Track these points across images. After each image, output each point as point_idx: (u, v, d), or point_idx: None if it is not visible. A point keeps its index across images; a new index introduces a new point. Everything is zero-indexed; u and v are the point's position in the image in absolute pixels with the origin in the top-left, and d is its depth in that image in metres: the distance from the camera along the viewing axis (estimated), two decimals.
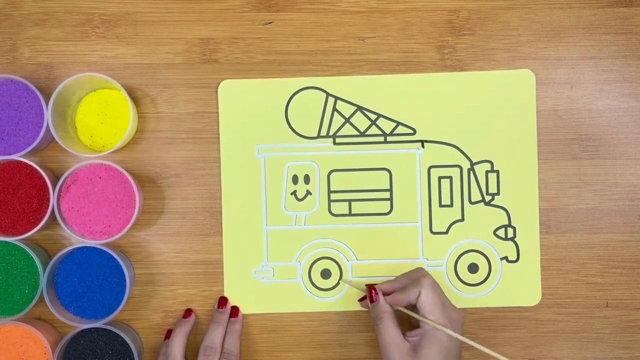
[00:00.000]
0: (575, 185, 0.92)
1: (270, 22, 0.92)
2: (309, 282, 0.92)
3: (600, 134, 0.92)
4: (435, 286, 0.83)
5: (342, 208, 0.91)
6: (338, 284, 0.91)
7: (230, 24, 0.92)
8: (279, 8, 0.92)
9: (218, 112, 0.91)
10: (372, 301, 0.86)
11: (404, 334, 0.83)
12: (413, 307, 0.85)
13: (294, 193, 0.91)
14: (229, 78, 0.92)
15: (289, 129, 0.91)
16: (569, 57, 0.92)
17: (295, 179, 0.91)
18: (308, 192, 0.91)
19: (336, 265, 0.91)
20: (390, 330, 0.83)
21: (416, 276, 0.85)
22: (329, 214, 0.91)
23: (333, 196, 0.91)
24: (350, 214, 0.91)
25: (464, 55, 0.92)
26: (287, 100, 0.92)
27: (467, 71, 0.92)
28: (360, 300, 0.89)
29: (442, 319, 0.82)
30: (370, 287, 0.86)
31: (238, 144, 0.91)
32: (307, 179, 0.91)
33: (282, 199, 0.91)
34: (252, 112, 0.92)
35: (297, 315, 0.92)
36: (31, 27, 0.92)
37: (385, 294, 0.86)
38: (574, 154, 0.92)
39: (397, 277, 0.87)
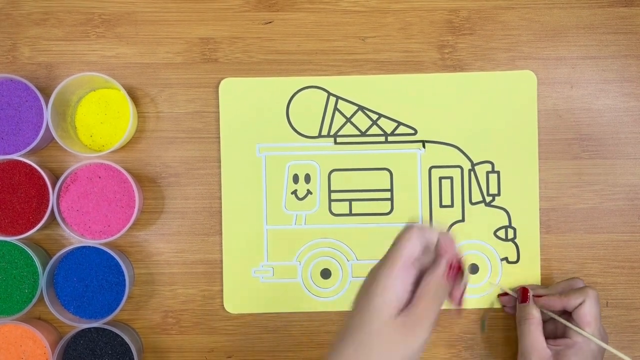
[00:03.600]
0: (575, 185, 0.92)
1: (270, 22, 0.92)
2: (309, 282, 0.92)
3: (600, 133, 0.92)
4: (598, 300, 0.83)
5: (342, 208, 0.91)
6: (339, 283, 0.91)
7: (230, 23, 0.92)
8: (279, 8, 0.92)
9: (218, 111, 0.91)
10: (522, 302, 0.86)
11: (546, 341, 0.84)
12: (563, 315, 0.85)
13: (294, 192, 0.91)
14: (229, 77, 0.91)
15: (290, 128, 0.91)
16: (569, 57, 0.92)
17: (295, 178, 0.91)
18: (308, 192, 0.91)
19: (336, 265, 0.91)
20: (534, 335, 0.83)
21: (578, 285, 0.85)
22: (329, 214, 0.91)
23: (334, 196, 0.91)
24: (350, 214, 0.91)
25: (464, 55, 0.92)
26: (288, 100, 0.91)
27: (467, 71, 0.92)
28: (500, 295, 0.90)
29: (597, 334, 0.82)
30: (523, 289, 0.87)
31: (238, 142, 0.91)
32: (307, 179, 0.91)
33: (282, 198, 0.91)
34: (253, 111, 0.91)
35: (297, 315, 0.92)
36: (31, 26, 0.92)
37: (536, 296, 0.86)
38: (574, 153, 0.92)
39: (553, 285, 0.88)
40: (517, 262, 0.91)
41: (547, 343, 0.84)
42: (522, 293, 0.87)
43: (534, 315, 0.85)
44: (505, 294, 0.90)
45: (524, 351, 0.84)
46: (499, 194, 0.91)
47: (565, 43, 0.92)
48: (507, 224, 0.91)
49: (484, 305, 0.92)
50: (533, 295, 0.86)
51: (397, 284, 0.66)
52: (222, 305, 0.91)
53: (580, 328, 0.82)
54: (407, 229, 0.68)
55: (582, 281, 0.87)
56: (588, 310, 0.82)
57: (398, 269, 0.66)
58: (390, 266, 0.66)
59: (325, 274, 0.92)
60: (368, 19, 0.92)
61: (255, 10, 0.92)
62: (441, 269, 0.67)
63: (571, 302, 0.83)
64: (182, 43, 0.92)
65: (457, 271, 0.68)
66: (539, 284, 0.91)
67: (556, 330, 0.86)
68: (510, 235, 0.91)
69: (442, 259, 0.67)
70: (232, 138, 0.91)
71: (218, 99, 0.91)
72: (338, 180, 0.91)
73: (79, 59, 0.92)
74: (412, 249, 0.67)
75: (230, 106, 0.91)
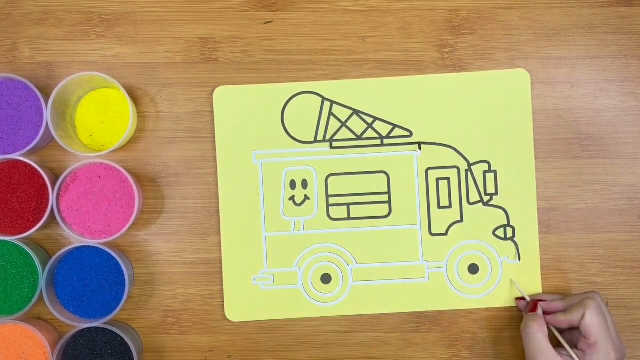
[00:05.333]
0: (575, 185, 0.92)
1: (270, 22, 0.92)
2: (310, 288, 0.91)
3: (600, 133, 0.92)
4: (600, 309, 0.83)
5: (340, 212, 0.91)
6: (340, 288, 0.91)
7: (230, 23, 0.92)
8: (278, 7, 0.92)
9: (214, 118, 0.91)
10: (530, 312, 0.87)
11: (557, 350, 0.84)
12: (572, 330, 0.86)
13: (292, 198, 0.91)
14: (228, 77, 0.91)
15: (286, 135, 0.91)
16: (569, 57, 0.92)
17: (293, 184, 0.91)
18: (306, 197, 0.91)
19: (336, 270, 0.91)
20: (540, 341, 0.84)
21: (581, 297, 0.85)
22: (327, 219, 0.91)
23: (331, 200, 0.91)
24: (349, 218, 0.91)
25: (464, 54, 0.92)
26: (282, 106, 0.91)
27: (466, 71, 0.92)
28: (518, 299, 0.90)
29: (605, 344, 0.82)
30: (535, 303, 0.87)
31: (234, 150, 0.91)
32: (304, 184, 0.91)
33: (280, 204, 0.91)
34: (247, 118, 0.91)
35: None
36: (31, 26, 0.92)
37: (546, 313, 0.87)
38: (573, 153, 0.92)
39: (566, 298, 0.88)
40: (517, 260, 0.91)
41: (560, 353, 0.84)
42: (532, 305, 0.87)
43: (541, 323, 0.84)
44: (523, 298, 0.90)
45: (531, 358, 0.84)
46: (496, 193, 0.91)
47: (565, 43, 0.92)
48: (506, 222, 0.91)
49: (485, 305, 0.91)
50: (543, 312, 0.87)
51: None
52: (222, 305, 0.91)
53: (586, 339, 0.82)
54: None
55: (593, 292, 0.86)
56: (589, 321, 0.82)
57: None
58: None
59: (326, 279, 0.92)
60: (368, 18, 0.92)
61: (255, 10, 0.92)
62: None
63: (574, 317, 0.83)
64: (182, 43, 0.92)
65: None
66: (540, 282, 0.91)
67: (572, 339, 0.86)
68: (509, 234, 0.91)
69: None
70: (228, 146, 0.91)
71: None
72: (335, 185, 0.91)
73: (79, 58, 0.92)
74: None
75: (225, 114, 0.91)
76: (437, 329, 0.92)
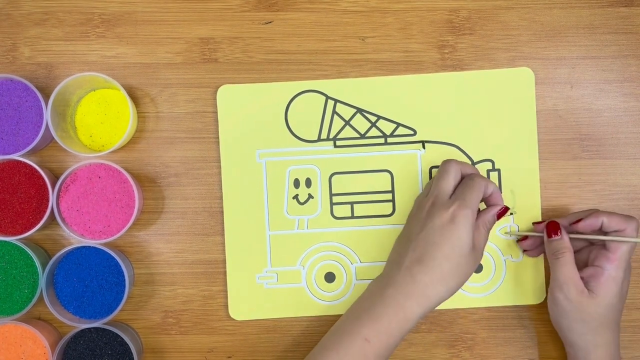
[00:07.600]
0: (576, 185, 0.92)
1: (270, 22, 0.92)
2: (314, 286, 0.91)
3: (600, 133, 0.92)
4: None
5: (344, 211, 0.91)
6: (344, 286, 0.91)
7: (230, 23, 0.92)
8: (278, 7, 0.92)
9: (217, 116, 0.91)
10: (552, 236, 0.85)
11: None
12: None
13: (295, 197, 0.91)
14: (229, 77, 0.91)
15: (289, 133, 0.91)
16: (569, 57, 0.92)
17: (296, 183, 0.91)
18: (310, 196, 0.91)
19: (340, 268, 0.91)
20: (569, 267, 0.83)
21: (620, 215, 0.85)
22: (331, 217, 0.91)
23: (335, 199, 0.91)
24: (352, 217, 0.91)
25: (464, 55, 0.92)
26: (286, 104, 0.91)
27: (466, 70, 0.92)
28: (520, 241, 0.90)
29: (626, 262, 0.83)
30: (551, 223, 0.86)
31: (238, 149, 0.91)
32: (308, 183, 0.91)
33: (284, 203, 0.91)
34: (251, 117, 0.91)
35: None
36: (31, 26, 0.92)
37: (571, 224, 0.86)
38: (574, 153, 0.92)
39: (571, 214, 0.88)
40: (520, 259, 0.91)
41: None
42: (552, 227, 0.86)
43: (568, 247, 0.84)
44: (525, 238, 0.90)
45: (559, 284, 0.83)
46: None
47: (565, 43, 0.92)
48: (510, 221, 0.91)
49: (487, 304, 0.91)
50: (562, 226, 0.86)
51: None
52: (222, 305, 0.91)
53: (610, 253, 0.83)
54: (449, 163, 0.84)
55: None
56: (631, 234, 0.83)
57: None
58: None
59: (330, 277, 0.91)
60: (368, 19, 0.92)
61: (255, 10, 0.92)
62: (494, 212, 0.84)
63: (613, 223, 0.83)
64: (182, 43, 0.92)
65: (503, 213, 0.85)
66: (543, 280, 0.91)
67: (578, 261, 0.86)
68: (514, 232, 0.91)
69: (494, 207, 0.84)
70: (231, 144, 0.91)
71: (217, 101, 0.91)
72: (339, 184, 0.91)
73: (79, 59, 0.92)
74: (456, 181, 0.84)
75: (228, 113, 0.91)
76: (437, 329, 0.92)
